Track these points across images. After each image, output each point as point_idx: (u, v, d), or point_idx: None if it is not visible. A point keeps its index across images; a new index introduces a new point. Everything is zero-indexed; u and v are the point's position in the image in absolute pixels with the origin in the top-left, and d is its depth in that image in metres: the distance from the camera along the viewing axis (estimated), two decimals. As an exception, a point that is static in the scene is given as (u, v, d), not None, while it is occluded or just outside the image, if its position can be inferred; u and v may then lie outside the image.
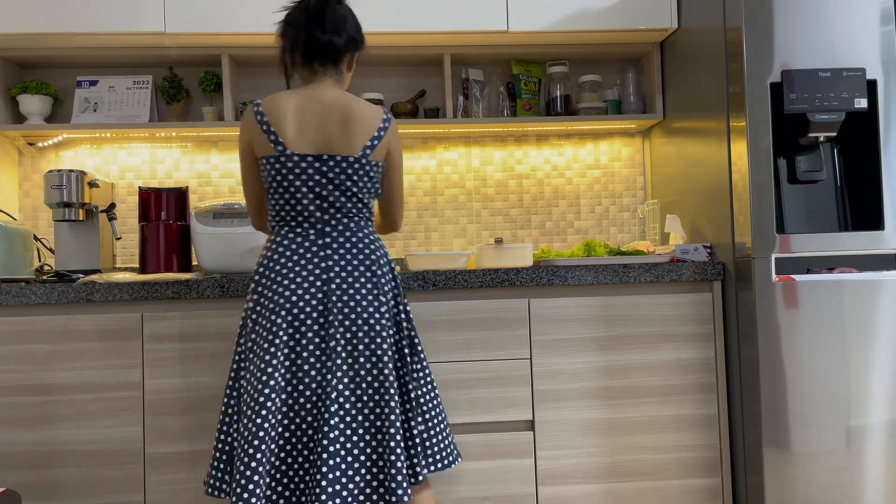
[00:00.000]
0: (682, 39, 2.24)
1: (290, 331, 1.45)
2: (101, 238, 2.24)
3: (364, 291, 1.48)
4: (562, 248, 2.55)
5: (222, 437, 1.51)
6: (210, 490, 1.51)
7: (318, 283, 1.47)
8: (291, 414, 1.45)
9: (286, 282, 1.47)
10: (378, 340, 1.47)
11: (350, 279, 1.48)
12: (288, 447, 1.45)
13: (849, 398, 1.79)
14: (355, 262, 1.50)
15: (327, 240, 1.50)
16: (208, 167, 2.48)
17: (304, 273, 1.47)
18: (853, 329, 1.80)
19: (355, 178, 1.50)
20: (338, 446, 1.41)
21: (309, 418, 1.44)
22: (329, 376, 1.44)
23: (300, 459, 1.45)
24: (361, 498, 1.42)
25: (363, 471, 1.43)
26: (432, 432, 1.58)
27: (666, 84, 2.38)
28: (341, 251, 1.50)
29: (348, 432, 1.43)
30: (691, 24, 2.17)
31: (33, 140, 2.42)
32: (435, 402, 1.60)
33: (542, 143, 2.57)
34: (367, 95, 2.39)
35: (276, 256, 1.50)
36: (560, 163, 2.57)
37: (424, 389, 1.58)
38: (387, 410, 1.44)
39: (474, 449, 1.87)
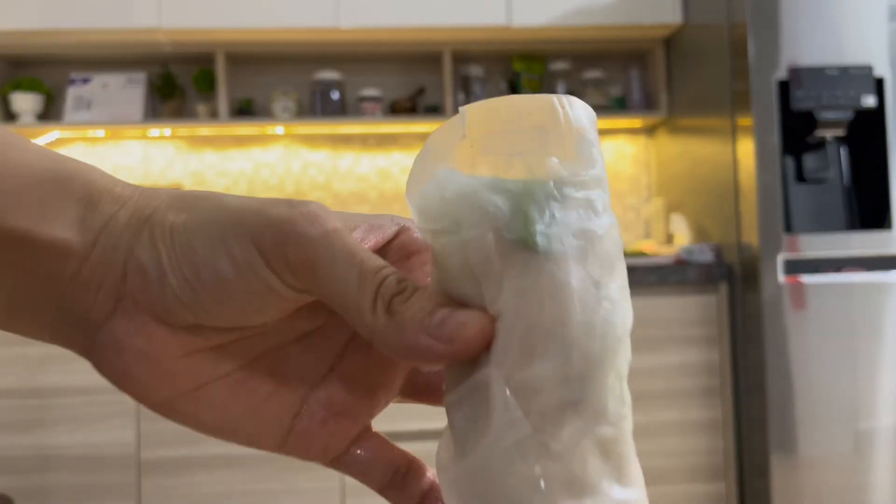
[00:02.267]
0: (687, 35, 2.20)
1: None
2: (95, 238, 2.20)
3: None
4: (563, 248, 2.52)
5: None
6: None
7: None
8: None
9: None
10: None
11: None
12: None
13: (857, 401, 1.76)
14: None
15: None
16: (203, 166, 2.45)
17: None
18: (862, 331, 1.77)
19: None
20: None
21: None
22: None
23: None
24: None
25: None
26: None
27: (671, 81, 2.35)
28: None
29: None
30: (696, 19, 2.13)
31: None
32: None
33: (544, 142, 2.53)
34: (364, 92, 2.35)
35: None
36: (562, 161, 2.53)
37: None
38: None
39: (475, 453, 1.84)
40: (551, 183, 0.22)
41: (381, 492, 0.27)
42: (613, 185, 2.54)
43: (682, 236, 2.16)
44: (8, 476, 1.77)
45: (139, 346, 0.23)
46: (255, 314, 0.23)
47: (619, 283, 0.22)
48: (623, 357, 0.22)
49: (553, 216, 0.22)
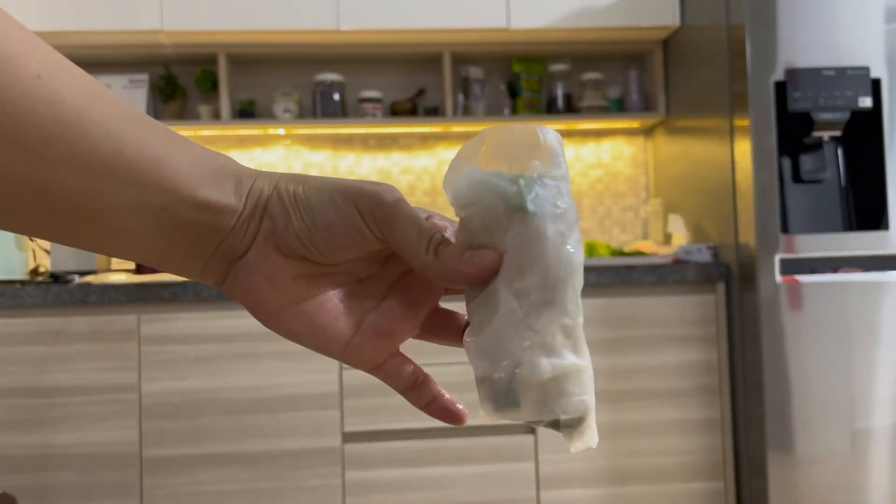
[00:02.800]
0: (685, 37, 2.21)
1: None
2: (97, 238, 2.21)
3: None
4: (563, 248, 2.52)
5: None
6: None
7: None
8: None
9: None
10: None
11: None
12: None
13: (854, 400, 1.77)
14: None
15: None
16: (205, 166, 2.46)
17: None
18: (858, 330, 1.78)
19: None
20: None
21: None
22: None
23: None
24: None
25: None
26: None
27: (669, 82, 2.36)
28: None
29: None
30: (694, 21, 2.15)
31: (28, 139, 2.39)
32: None
33: (543, 142, 2.54)
34: (365, 94, 2.37)
35: None
36: (561, 162, 2.54)
37: None
38: None
39: (475, 453, 1.85)
40: (536, 174, 0.35)
41: (404, 392, 0.40)
42: (612, 186, 2.56)
43: (681, 236, 2.17)
44: (11, 475, 1.78)
45: (265, 268, 0.35)
46: (346, 251, 0.36)
47: (576, 237, 0.35)
48: (578, 280, 0.35)
49: (537, 193, 0.35)
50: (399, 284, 0.39)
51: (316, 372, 1.82)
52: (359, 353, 0.38)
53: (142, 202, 0.32)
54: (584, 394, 0.36)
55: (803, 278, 1.77)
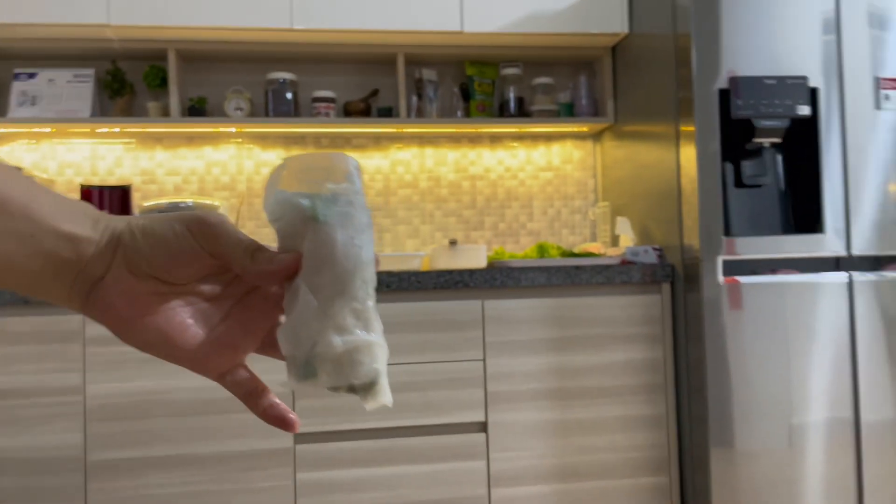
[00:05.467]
0: (634, 44, 2.27)
1: None
2: (40, 237, 2.15)
3: None
4: (514, 250, 2.56)
5: None
6: None
7: None
8: None
9: None
10: None
11: None
12: None
13: (791, 397, 1.84)
14: None
15: None
16: (153, 164, 2.41)
17: None
18: (795, 329, 1.85)
19: None
20: None
21: None
22: None
23: None
24: None
25: None
26: None
27: (617, 88, 2.41)
28: None
29: None
30: (642, 29, 2.20)
31: (-34, 134, 2.31)
32: None
33: (496, 145, 2.58)
34: (318, 93, 2.36)
35: None
36: (513, 164, 2.58)
37: None
38: None
39: (426, 451, 1.87)
40: (329, 192, 0.43)
41: (244, 399, 0.45)
42: (562, 188, 2.60)
43: (628, 238, 2.22)
44: (-53, 480, 1.72)
45: (119, 287, 0.41)
46: (185, 266, 0.42)
47: (365, 237, 0.43)
48: (368, 272, 0.43)
49: (328, 206, 0.42)
50: (241, 304, 0.45)
51: (267, 372, 1.80)
52: (205, 362, 0.44)
53: (13, 229, 0.39)
54: (375, 363, 0.42)
55: (743, 279, 1.84)
